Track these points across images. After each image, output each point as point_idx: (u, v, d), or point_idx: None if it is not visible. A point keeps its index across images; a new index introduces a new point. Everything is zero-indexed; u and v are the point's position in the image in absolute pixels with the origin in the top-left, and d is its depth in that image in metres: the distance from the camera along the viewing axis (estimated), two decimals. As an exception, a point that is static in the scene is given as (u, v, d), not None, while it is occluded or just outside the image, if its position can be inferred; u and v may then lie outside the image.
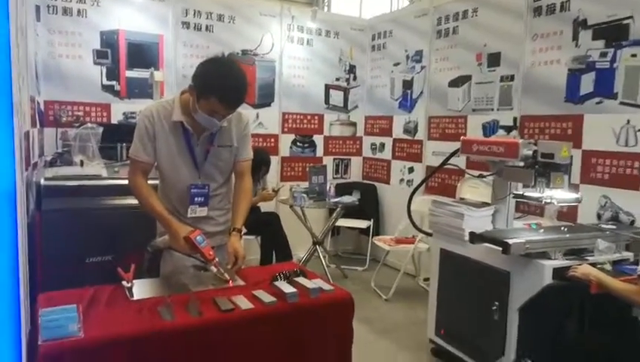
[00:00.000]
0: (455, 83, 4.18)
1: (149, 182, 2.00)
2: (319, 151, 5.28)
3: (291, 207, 4.33)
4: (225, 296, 1.70)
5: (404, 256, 4.28)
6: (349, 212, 4.67)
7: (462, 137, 2.90)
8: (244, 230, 2.08)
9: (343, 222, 4.82)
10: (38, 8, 3.80)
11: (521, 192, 2.67)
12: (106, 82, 4.16)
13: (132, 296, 1.72)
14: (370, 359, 3.02)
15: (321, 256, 4.55)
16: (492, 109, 3.85)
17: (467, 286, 2.78)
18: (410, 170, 4.77)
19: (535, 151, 2.45)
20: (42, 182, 2.29)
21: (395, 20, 4.98)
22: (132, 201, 2.05)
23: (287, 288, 1.75)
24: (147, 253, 2.09)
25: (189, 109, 1.91)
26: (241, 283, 1.89)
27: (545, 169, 2.41)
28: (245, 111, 2.12)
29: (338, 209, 4.48)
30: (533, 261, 2.33)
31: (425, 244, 4.10)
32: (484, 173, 2.96)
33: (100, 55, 4.11)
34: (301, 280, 1.85)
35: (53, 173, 2.42)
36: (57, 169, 2.56)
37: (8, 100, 1.31)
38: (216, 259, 1.86)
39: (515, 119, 3.48)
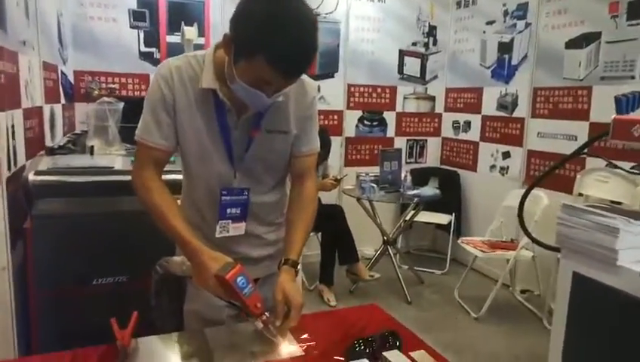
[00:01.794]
0: (576, 43, 3.21)
1: (166, 177, 1.32)
2: (390, 131, 4.47)
3: (358, 199, 3.59)
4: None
5: (499, 264, 3.45)
6: (426, 203, 3.86)
7: (614, 116, 2.00)
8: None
9: (418, 216, 4.02)
10: (64, -40, 3.22)
11: None
12: (144, 49, 3.56)
13: (123, 374, 1.07)
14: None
15: (392, 256, 3.80)
16: (632, 77, 2.87)
17: (618, 331, 1.93)
18: (506, 155, 3.86)
19: None
20: (31, 177, 1.69)
21: (491, -33, 4.01)
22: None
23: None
24: (155, 274, 1.45)
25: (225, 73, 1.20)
26: (296, 351, 1.19)
27: None
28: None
29: (414, 203, 3.67)
30: None
31: (529, 252, 3.24)
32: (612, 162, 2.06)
33: (136, 17, 3.50)
34: (394, 357, 1.12)
35: (50, 165, 1.81)
36: (60, 158, 1.96)
37: None
38: (266, 315, 1.16)
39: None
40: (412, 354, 1.15)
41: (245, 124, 1.28)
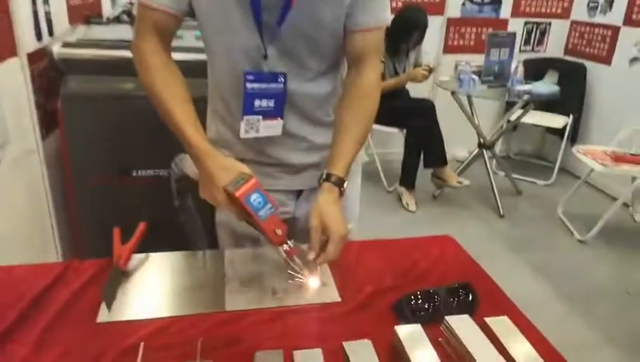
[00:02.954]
0: None
1: (178, 56, 1.00)
2: (505, 11, 3.69)
3: (454, 93, 3.05)
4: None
5: (621, 180, 2.85)
6: (538, 102, 3.21)
7: None
8: (353, 177, 1.02)
9: (526, 117, 3.38)
10: None
11: None
12: None
13: (112, 299, 0.87)
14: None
15: (487, 161, 3.30)
16: None
17: None
18: (656, 44, 3.01)
19: None
20: (56, 49, 1.46)
21: None
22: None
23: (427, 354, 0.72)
24: (173, 173, 1.25)
25: None
26: (329, 296, 0.91)
27: None
28: None
29: (522, 102, 3.04)
30: None
31: (665, 169, 2.59)
32: None
33: None
34: (461, 326, 0.79)
35: (83, 36, 1.57)
36: (97, 29, 1.71)
37: None
38: (288, 244, 0.87)
39: None
40: (489, 320, 0.82)
41: (279, -14, 0.89)
